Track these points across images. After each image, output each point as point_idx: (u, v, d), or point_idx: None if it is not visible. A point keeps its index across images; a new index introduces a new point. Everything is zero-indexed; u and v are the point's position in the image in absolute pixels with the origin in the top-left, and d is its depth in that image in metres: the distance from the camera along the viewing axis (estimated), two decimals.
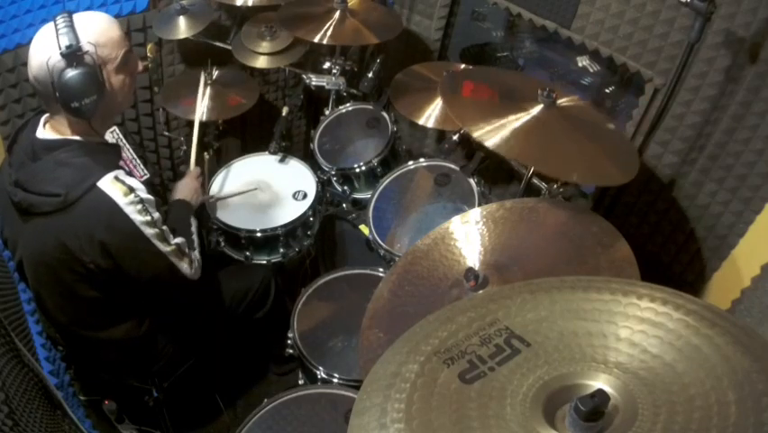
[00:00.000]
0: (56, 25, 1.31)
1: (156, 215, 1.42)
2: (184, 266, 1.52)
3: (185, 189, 1.84)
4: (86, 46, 1.32)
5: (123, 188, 1.36)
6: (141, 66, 1.51)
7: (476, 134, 1.37)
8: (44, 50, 1.31)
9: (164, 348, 1.73)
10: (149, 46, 2.18)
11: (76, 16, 1.35)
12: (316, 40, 2.04)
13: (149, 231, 1.41)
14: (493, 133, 1.38)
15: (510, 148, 1.35)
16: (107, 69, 1.38)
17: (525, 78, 1.76)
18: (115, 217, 1.36)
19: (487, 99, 1.50)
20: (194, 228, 1.69)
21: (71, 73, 1.30)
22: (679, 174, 1.80)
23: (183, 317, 1.75)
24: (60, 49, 1.29)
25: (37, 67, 1.33)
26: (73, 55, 1.30)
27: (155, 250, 1.44)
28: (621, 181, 1.38)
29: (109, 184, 1.36)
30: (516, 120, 1.42)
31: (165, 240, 1.46)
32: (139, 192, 1.39)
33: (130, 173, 1.46)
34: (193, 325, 1.79)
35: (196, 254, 1.60)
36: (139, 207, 1.38)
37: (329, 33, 2.05)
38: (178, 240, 1.51)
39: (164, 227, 1.45)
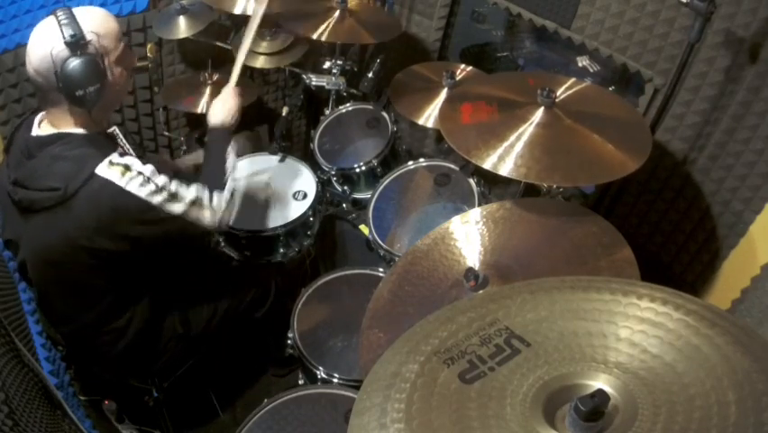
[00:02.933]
0: (57, 18, 1.32)
1: (160, 180, 1.41)
2: (206, 216, 1.48)
3: (223, 109, 1.70)
4: (89, 35, 1.33)
5: (119, 169, 1.37)
6: (135, 63, 1.51)
7: (486, 165, 1.37)
8: (47, 42, 1.32)
9: (166, 345, 1.73)
10: (149, 46, 2.18)
11: (76, 9, 1.36)
12: (315, 36, 2.05)
13: (157, 199, 1.40)
14: (502, 160, 1.36)
15: (518, 169, 1.34)
16: (108, 59, 1.40)
17: (522, 78, 1.75)
18: (120, 198, 1.36)
19: (487, 119, 1.49)
20: (229, 164, 1.62)
21: (75, 61, 1.31)
22: (679, 174, 1.80)
23: (186, 308, 1.75)
24: (64, 38, 1.30)
25: (39, 59, 1.33)
26: (77, 44, 1.31)
27: (169, 215, 1.42)
28: (635, 167, 1.34)
29: (106, 169, 1.36)
30: (521, 135, 1.40)
31: (177, 199, 1.44)
32: (135, 167, 1.38)
33: (123, 154, 1.46)
34: (195, 321, 1.79)
35: (224, 196, 1.54)
36: (140, 179, 1.38)
37: (328, 30, 2.06)
38: (193, 192, 1.46)
39: (172, 187, 1.43)
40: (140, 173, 1.38)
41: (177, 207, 1.44)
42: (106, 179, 1.35)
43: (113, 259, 1.44)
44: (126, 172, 1.37)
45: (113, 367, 1.74)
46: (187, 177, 1.51)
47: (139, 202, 1.38)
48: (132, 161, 1.40)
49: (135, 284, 1.59)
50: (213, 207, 1.51)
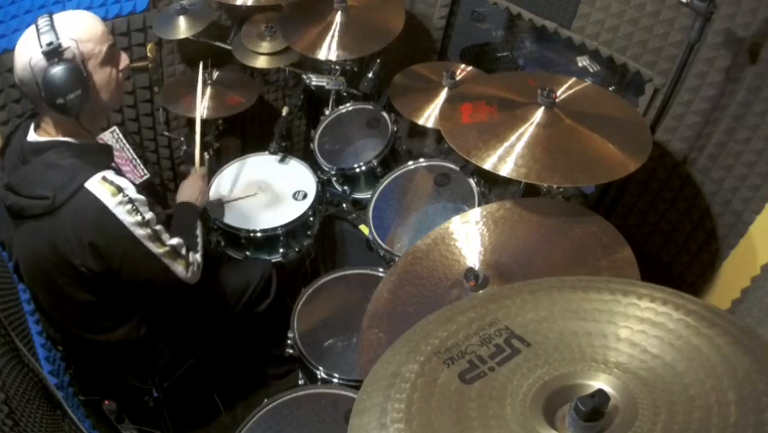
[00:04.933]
0: (37, 26, 1.31)
1: (148, 215, 1.40)
2: (179, 269, 1.50)
3: (190, 190, 1.81)
4: (66, 42, 1.31)
5: (111, 189, 1.35)
6: (125, 61, 1.48)
7: (486, 165, 1.37)
8: (26, 51, 1.31)
9: (164, 349, 1.72)
10: (149, 46, 2.17)
11: (56, 16, 1.35)
12: (321, 56, 2.03)
13: (140, 232, 1.39)
14: (502, 160, 1.36)
15: (518, 169, 1.34)
16: (91, 64, 1.37)
17: (522, 78, 1.75)
18: (104, 219, 1.34)
19: (487, 119, 1.48)
20: (198, 231, 1.66)
21: (54, 70, 1.29)
22: (679, 174, 1.80)
23: (182, 319, 1.75)
24: (42, 47, 1.29)
25: (21, 68, 1.33)
26: (54, 52, 1.29)
27: (146, 251, 1.42)
28: (635, 167, 1.34)
29: (97, 185, 1.34)
30: (521, 135, 1.40)
31: (158, 240, 1.43)
32: (128, 192, 1.37)
33: (120, 172, 1.45)
34: (193, 325, 1.79)
35: (196, 257, 1.58)
36: (128, 207, 1.36)
37: (332, 47, 2.03)
38: (174, 241, 1.49)
39: (157, 227, 1.43)
40: (131, 200, 1.36)
41: (156, 248, 1.43)
42: (95, 196, 1.34)
43: (97, 277, 1.42)
44: (117, 194, 1.35)
45: (111, 368, 1.74)
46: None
47: (122, 228, 1.36)
48: (127, 184, 1.38)
49: (126, 304, 1.57)
50: (189, 261, 1.53)
